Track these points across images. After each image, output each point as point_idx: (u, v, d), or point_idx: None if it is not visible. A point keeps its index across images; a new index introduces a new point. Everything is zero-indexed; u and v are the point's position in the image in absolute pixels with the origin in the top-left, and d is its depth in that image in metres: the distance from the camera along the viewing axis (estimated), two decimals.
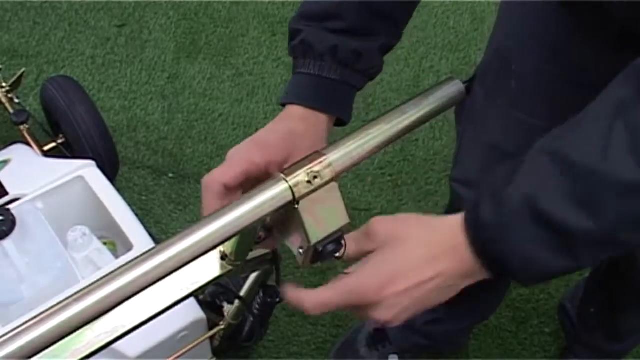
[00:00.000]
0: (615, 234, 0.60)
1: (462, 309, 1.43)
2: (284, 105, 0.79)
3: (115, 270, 0.59)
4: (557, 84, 0.95)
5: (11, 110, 1.72)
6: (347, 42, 0.77)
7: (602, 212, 0.58)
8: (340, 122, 0.82)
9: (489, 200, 0.63)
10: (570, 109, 0.80)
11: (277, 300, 1.15)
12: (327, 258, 0.69)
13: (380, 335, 1.56)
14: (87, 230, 1.35)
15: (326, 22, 0.78)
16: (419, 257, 0.66)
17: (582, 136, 0.61)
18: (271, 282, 1.12)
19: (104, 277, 0.59)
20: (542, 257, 0.62)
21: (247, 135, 2.15)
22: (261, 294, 1.20)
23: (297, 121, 0.77)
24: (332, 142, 0.73)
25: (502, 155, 1.06)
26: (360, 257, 0.69)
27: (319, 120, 0.78)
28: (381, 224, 0.68)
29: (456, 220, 0.66)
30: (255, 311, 1.30)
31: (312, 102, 0.78)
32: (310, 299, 0.70)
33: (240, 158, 0.72)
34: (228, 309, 1.29)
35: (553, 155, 0.62)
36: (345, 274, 0.68)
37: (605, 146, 0.58)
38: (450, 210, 1.30)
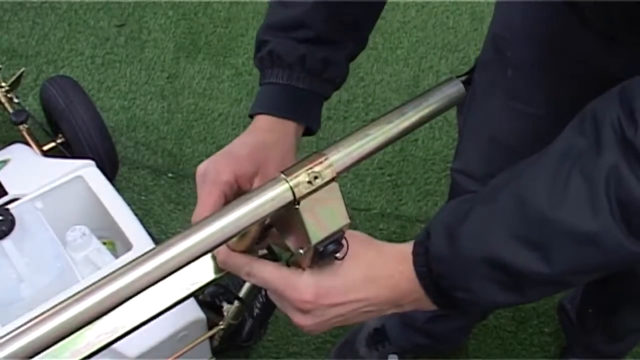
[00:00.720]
0: (564, 278, 0.61)
1: None
2: (252, 116, 0.80)
3: (116, 270, 0.59)
4: (553, 75, 0.95)
5: (10, 110, 1.72)
6: (315, 51, 0.78)
7: (553, 257, 0.58)
8: (308, 132, 0.82)
9: (442, 235, 0.63)
10: (566, 99, 0.80)
11: None
12: (327, 258, 0.69)
13: (380, 335, 1.56)
14: (86, 230, 1.35)
15: (293, 32, 0.78)
16: (358, 277, 0.67)
17: (540, 178, 0.60)
18: None
19: (104, 277, 0.59)
20: (489, 293, 0.62)
21: None
22: (263, 294, 1.20)
23: (265, 132, 0.78)
24: (333, 142, 0.73)
25: (502, 146, 1.07)
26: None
27: (288, 130, 0.79)
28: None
29: (405, 249, 0.66)
30: (257, 311, 1.30)
31: (281, 112, 0.78)
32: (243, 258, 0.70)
33: (209, 186, 0.72)
34: (228, 309, 1.29)
35: (509, 193, 0.62)
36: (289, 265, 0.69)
37: (562, 194, 0.58)
38: (450, 200, 1.30)
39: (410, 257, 0.65)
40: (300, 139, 0.81)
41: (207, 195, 0.72)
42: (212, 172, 0.73)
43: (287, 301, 0.68)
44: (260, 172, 0.75)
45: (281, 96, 0.79)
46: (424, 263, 0.64)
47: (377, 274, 0.66)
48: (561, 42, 0.91)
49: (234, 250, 0.72)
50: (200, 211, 0.72)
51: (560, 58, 0.93)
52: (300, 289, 0.67)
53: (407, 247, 0.66)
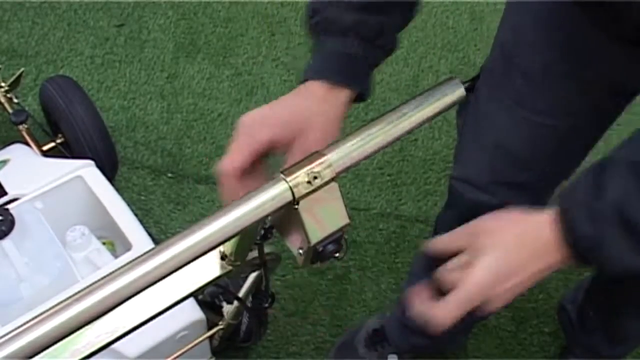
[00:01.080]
0: None
1: None
2: (304, 82, 0.79)
3: (115, 270, 0.60)
4: (565, 82, 0.94)
5: (10, 110, 1.72)
6: (368, 19, 0.79)
7: None
8: (360, 98, 0.82)
9: (584, 214, 0.68)
10: (579, 108, 0.80)
11: (267, 305, 1.15)
12: (327, 258, 0.69)
13: (379, 336, 1.55)
14: (86, 230, 1.35)
15: None
16: (521, 257, 0.73)
17: None
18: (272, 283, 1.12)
19: (104, 277, 0.59)
20: (635, 261, 0.68)
21: None
22: (251, 299, 1.20)
23: (314, 98, 0.77)
24: (332, 142, 0.73)
25: (507, 153, 1.06)
26: (449, 251, 0.75)
27: (339, 98, 0.78)
28: (483, 224, 0.75)
29: (548, 219, 0.71)
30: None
31: (335, 77, 0.77)
32: (440, 315, 0.73)
33: (246, 138, 0.73)
34: (227, 309, 1.29)
35: (633, 165, 0.66)
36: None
37: None
38: (448, 209, 1.29)
39: (556, 234, 0.70)
40: (349, 110, 0.80)
41: (238, 148, 0.73)
42: (252, 127, 0.74)
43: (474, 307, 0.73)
44: (297, 140, 0.74)
45: (335, 63, 0.79)
46: (572, 241, 0.69)
47: (535, 250, 0.72)
48: (577, 49, 0.90)
49: None
50: (227, 161, 0.72)
51: (574, 65, 0.92)
52: (478, 294, 0.72)
53: (550, 218, 0.70)
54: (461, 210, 1.18)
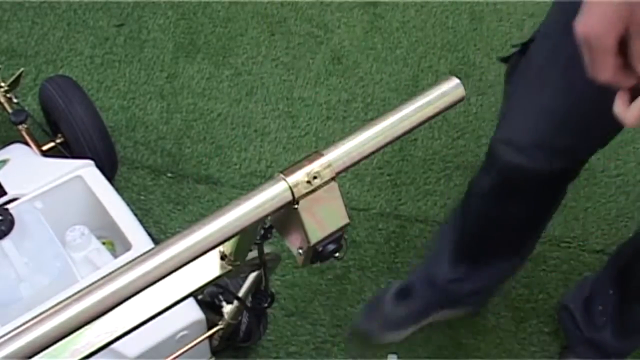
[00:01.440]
0: None
1: (482, 271, 1.47)
2: None
3: (115, 270, 0.59)
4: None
5: (10, 110, 1.72)
6: None
7: None
8: None
9: None
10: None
11: (267, 305, 1.15)
12: (326, 258, 0.69)
13: (405, 293, 1.57)
14: (85, 230, 1.36)
15: None
16: None
17: None
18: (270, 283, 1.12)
19: (104, 277, 0.59)
20: None
21: (245, 135, 2.16)
22: (250, 299, 1.20)
23: None
24: (332, 142, 0.73)
25: (554, 116, 1.07)
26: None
27: None
28: None
29: None
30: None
31: None
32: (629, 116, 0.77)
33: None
34: (227, 309, 1.29)
35: None
36: None
37: None
38: (483, 172, 1.31)
39: None
40: None
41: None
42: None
43: None
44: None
45: None
46: None
47: None
48: None
49: None
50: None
51: None
52: None
53: None
54: (497, 173, 1.21)
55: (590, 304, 1.56)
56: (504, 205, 1.31)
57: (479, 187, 1.34)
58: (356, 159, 0.71)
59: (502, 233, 1.40)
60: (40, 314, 0.57)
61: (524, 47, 1.07)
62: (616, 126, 1.03)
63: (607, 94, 0.84)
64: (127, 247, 1.33)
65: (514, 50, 1.16)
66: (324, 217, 0.67)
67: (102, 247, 1.37)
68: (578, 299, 1.61)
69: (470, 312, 1.65)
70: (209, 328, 1.31)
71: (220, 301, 1.30)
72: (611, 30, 0.72)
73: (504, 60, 1.21)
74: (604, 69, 0.75)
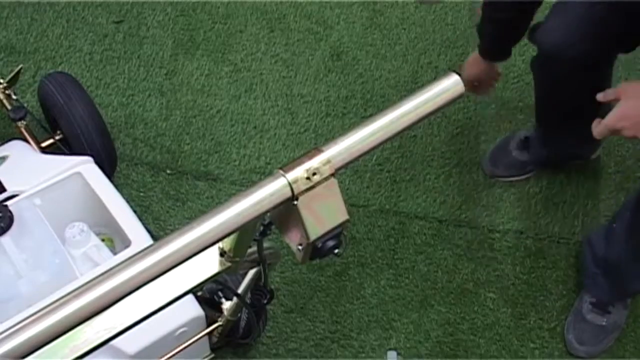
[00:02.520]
0: None
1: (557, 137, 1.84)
2: None
3: (114, 267, 0.59)
4: None
5: (9, 107, 1.72)
6: None
7: None
8: None
9: None
10: None
11: (266, 301, 1.15)
12: (326, 254, 0.69)
13: (528, 141, 1.90)
14: (85, 227, 1.35)
15: None
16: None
17: None
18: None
19: (103, 273, 0.59)
20: None
21: (245, 131, 2.16)
22: (250, 296, 1.20)
23: None
24: (331, 138, 0.73)
25: (586, 24, 1.46)
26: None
27: None
28: (624, 86, 1.27)
29: None
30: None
31: None
32: (596, 131, 1.29)
33: None
34: (226, 305, 1.29)
35: None
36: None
37: None
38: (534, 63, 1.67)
39: None
40: None
41: None
42: None
43: (615, 132, 1.26)
44: None
45: None
46: None
47: None
48: None
49: None
50: None
51: None
52: (619, 121, 1.25)
53: None
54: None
55: (609, 228, 1.64)
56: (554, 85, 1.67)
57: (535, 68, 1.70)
58: (355, 156, 0.71)
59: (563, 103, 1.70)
60: (40, 310, 0.57)
61: None
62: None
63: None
64: (127, 243, 1.33)
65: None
66: (324, 214, 0.67)
67: (102, 244, 1.37)
68: (599, 230, 1.69)
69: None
70: (209, 325, 1.31)
71: (220, 298, 1.30)
72: None
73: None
74: None
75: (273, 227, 0.78)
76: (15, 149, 1.59)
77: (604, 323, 1.67)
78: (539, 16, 1.56)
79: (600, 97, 1.32)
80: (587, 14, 1.47)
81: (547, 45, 1.56)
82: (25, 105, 1.81)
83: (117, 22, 2.20)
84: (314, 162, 0.66)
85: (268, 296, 1.14)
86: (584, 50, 1.49)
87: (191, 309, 1.26)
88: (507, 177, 1.94)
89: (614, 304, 1.68)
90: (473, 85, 1.78)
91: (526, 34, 1.61)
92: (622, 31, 1.48)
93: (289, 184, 0.64)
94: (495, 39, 1.65)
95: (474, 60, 1.72)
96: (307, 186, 0.65)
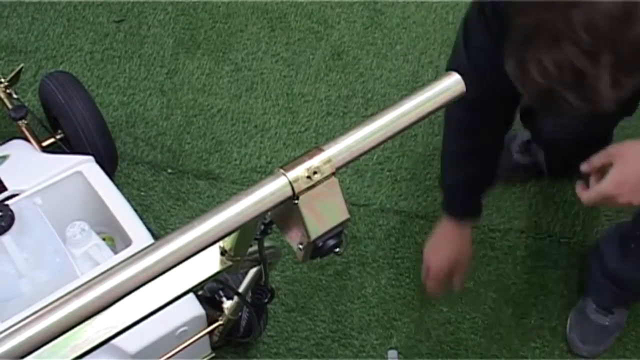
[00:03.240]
0: None
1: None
2: None
3: (115, 266, 0.60)
4: None
5: (10, 106, 1.72)
6: None
7: None
8: None
9: None
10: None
11: (267, 300, 1.15)
12: (327, 254, 0.69)
13: (529, 145, 1.86)
14: (85, 226, 1.36)
15: None
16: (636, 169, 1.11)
17: None
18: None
19: (104, 272, 0.59)
20: None
21: (246, 131, 2.16)
22: (250, 295, 1.20)
23: None
24: (332, 137, 0.73)
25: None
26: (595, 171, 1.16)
27: None
28: (617, 149, 1.14)
29: None
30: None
31: None
32: (585, 197, 1.17)
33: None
34: (227, 304, 1.29)
35: None
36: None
37: None
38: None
39: None
40: None
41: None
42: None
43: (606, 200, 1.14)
44: None
45: None
46: None
47: None
48: None
49: None
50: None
51: None
52: (610, 191, 1.13)
53: None
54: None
55: (620, 240, 1.61)
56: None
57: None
58: (356, 155, 0.71)
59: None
60: (40, 309, 0.57)
61: None
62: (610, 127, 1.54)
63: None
64: (127, 242, 1.33)
65: None
66: (324, 213, 0.67)
67: (102, 243, 1.37)
68: (610, 238, 1.66)
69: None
70: (209, 324, 1.31)
71: (221, 297, 1.30)
72: None
73: None
74: None
75: (274, 226, 0.78)
76: (16, 148, 1.59)
77: (607, 323, 1.66)
78: None
79: (584, 168, 1.18)
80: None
81: (543, 142, 1.64)
82: (26, 104, 1.81)
83: (118, 22, 2.20)
84: (315, 161, 0.66)
85: (269, 295, 1.14)
86: (587, 133, 1.40)
87: (192, 308, 1.26)
88: (509, 182, 1.89)
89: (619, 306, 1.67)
90: (443, 282, 1.55)
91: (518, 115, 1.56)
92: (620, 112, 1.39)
93: (290, 183, 0.64)
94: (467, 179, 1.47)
95: (441, 237, 1.54)
96: (308, 185, 0.65)
